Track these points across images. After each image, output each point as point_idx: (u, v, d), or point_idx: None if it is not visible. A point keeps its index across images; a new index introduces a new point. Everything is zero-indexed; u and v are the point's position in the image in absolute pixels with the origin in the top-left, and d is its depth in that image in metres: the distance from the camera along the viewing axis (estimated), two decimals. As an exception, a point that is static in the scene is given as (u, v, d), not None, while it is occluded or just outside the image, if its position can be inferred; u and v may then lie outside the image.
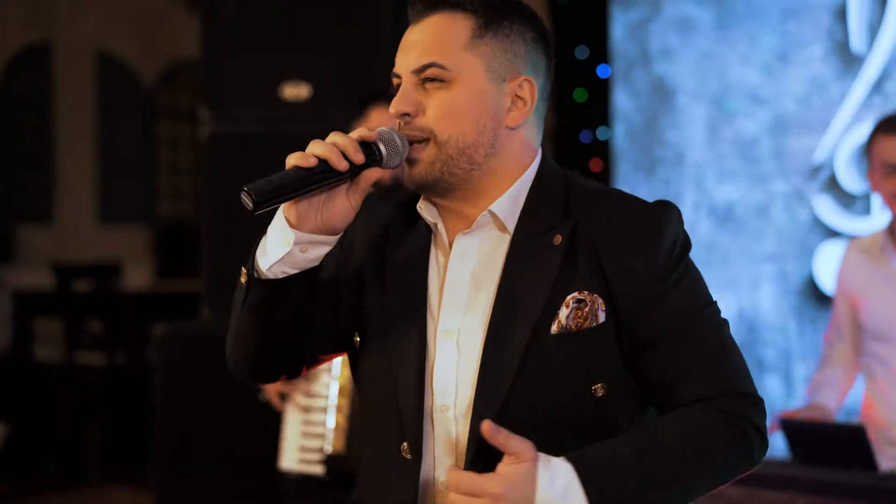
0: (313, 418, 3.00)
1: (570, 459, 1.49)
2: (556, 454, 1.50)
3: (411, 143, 1.59)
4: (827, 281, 4.17)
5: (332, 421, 2.93)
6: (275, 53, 4.13)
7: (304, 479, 3.04)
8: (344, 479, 2.91)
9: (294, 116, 4.14)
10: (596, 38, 5.01)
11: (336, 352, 1.77)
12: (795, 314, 4.36)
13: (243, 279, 1.60)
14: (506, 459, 1.47)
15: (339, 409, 2.92)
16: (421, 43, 1.62)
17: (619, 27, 4.84)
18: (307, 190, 1.51)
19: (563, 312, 1.56)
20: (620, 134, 4.85)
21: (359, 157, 1.54)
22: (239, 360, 1.70)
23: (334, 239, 1.58)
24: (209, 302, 4.21)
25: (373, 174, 1.56)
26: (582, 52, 5.08)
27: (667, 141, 4.69)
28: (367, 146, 1.55)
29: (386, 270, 1.67)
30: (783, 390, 4.36)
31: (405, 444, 1.60)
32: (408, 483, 1.60)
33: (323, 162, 1.51)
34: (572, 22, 5.13)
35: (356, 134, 1.57)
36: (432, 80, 1.60)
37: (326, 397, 2.97)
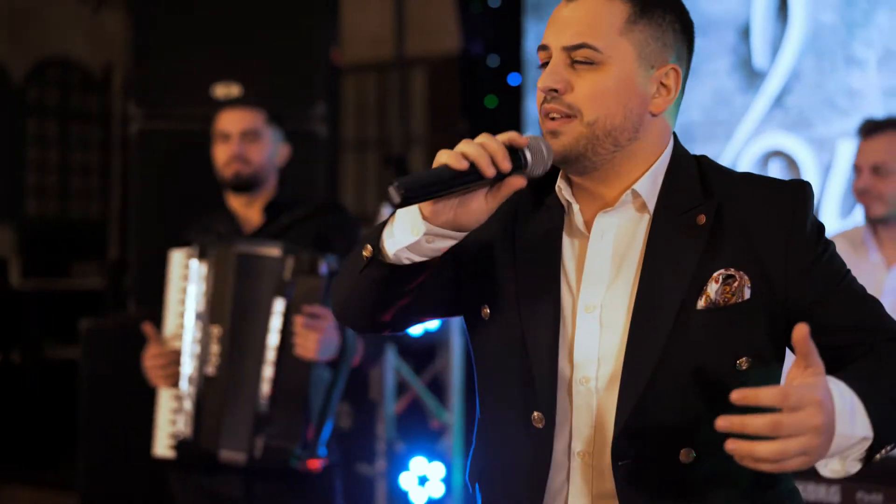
0: (175, 406, 3.05)
1: (854, 385, 1.49)
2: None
3: (556, 119, 1.62)
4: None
5: (185, 405, 2.99)
6: (206, 53, 4.21)
7: (180, 464, 3.09)
8: (193, 460, 3.01)
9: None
10: (507, 48, 5.20)
11: (446, 316, 1.85)
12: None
13: (367, 253, 1.63)
14: (807, 372, 1.45)
15: (188, 395, 2.98)
16: (577, 21, 1.63)
17: (532, 38, 5.05)
18: (453, 191, 1.54)
19: (713, 287, 1.61)
20: (532, 140, 5.06)
21: (506, 165, 1.54)
22: (347, 312, 1.75)
23: (462, 235, 1.60)
24: (136, 297, 4.25)
25: (516, 182, 1.56)
26: (493, 61, 5.25)
27: (578, 147, 4.93)
28: (513, 152, 1.56)
29: (517, 247, 1.70)
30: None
31: (536, 413, 1.65)
32: (541, 451, 1.65)
33: (472, 164, 1.52)
34: (484, 31, 5.30)
35: (505, 137, 1.57)
36: (584, 61, 1.62)
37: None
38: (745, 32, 4.58)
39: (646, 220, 1.67)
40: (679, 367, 1.60)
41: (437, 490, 4.24)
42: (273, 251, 2.97)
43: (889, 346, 1.61)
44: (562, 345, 1.65)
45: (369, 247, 1.62)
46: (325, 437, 2.97)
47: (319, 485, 3.08)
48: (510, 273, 1.70)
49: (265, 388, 2.92)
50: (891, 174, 3.10)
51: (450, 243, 1.60)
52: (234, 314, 2.97)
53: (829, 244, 1.67)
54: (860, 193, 3.12)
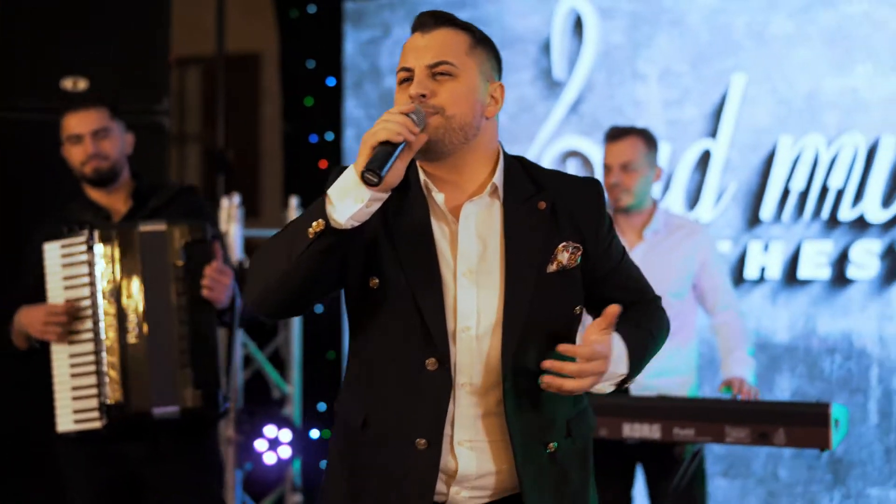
0: (81, 382, 3.31)
1: (621, 334, 2.17)
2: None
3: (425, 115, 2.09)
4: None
5: (106, 375, 3.27)
6: (55, 49, 4.45)
7: (81, 437, 3.34)
8: (122, 426, 3.31)
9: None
10: (325, 52, 5.61)
11: (334, 292, 2.22)
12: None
13: (317, 229, 1.99)
14: (602, 332, 2.12)
15: (111, 365, 3.27)
16: (434, 46, 2.14)
17: (351, 44, 5.50)
18: (393, 159, 1.99)
19: (563, 255, 2.18)
20: (350, 137, 5.51)
21: (416, 130, 2.02)
22: (271, 298, 2.10)
23: (388, 194, 2.03)
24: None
25: (421, 139, 2.04)
26: (311, 64, 5.66)
27: (394, 145, 5.42)
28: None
29: (393, 229, 2.14)
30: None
31: (432, 359, 2.11)
32: (440, 388, 2.12)
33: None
34: (301, 35, 5.70)
35: (400, 110, 2.03)
36: (443, 73, 2.12)
37: (94, 359, 3.30)
38: (545, 47, 5.19)
39: (497, 206, 2.18)
40: (540, 315, 2.16)
41: (286, 452, 4.67)
42: (160, 226, 3.32)
43: (650, 304, 2.34)
44: (446, 304, 2.13)
45: (321, 221, 2.00)
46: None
47: (212, 435, 3.47)
48: (390, 250, 2.14)
49: (182, 345, 3.28)
50: (635, 171, 3.75)
51: (379, 204, 2.03)
52: (143, 285, 3.29)
53: (614, 229, 2.31)
54: (611, 188, 3.73)
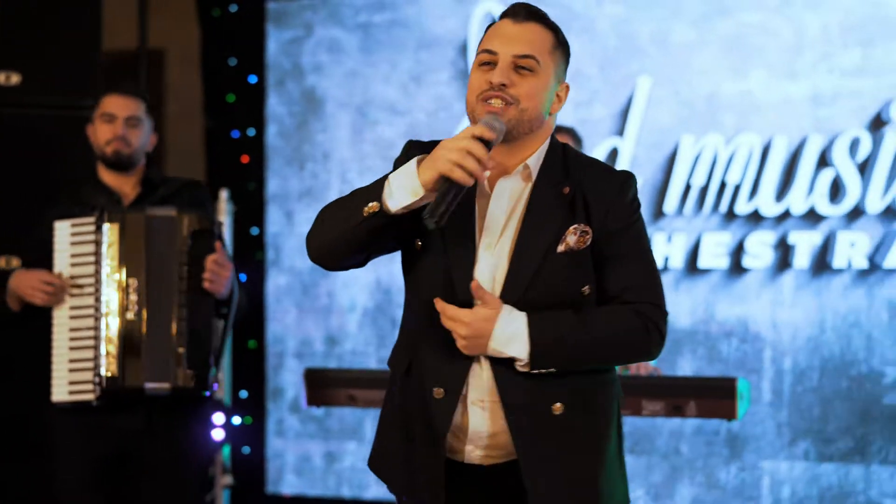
0: (79, 355, 3.57)
1: (528, 314, 2.25)
2: None
3: (499, 105, 2.25)
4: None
5: (104, 350, 3.52)
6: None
7: (75, 408, 3.59)
8: (114, 399, 3.55)
9: (5, 102, 4.64)
10: (247, 50, 5.80)
11: (390, 252, 2.43)
12: (422, 284, 5.50)
13: (372, 209, 2.22)
14: (478, 305, 2.25)
15: (109, 340, 3.52)
16: (524, 38, 2.27)
17: (274, 43, 5.71)
18: (453, 198, 2.19)
19: (571, 238, 2.30)
20: (273, 133, 5.72)
21: (485, 168, 2.20)
22: (333, 255, 2.34)
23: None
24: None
25: (487, 164, 2.22)
26: (232, 61, 5.84)
27: (316, 141, 5.65)
28: (485, 141, 2.20)
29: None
30: (413, 344, 5.48)
31: None
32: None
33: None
34: (223, 33, 5.87)
35: (478, 131, 2.19)
36: (526, 67, 2.26)
37: (93, 334, 3.55)
38: (462, 49, 5.47)
39: (528, 187, 2.36)
40: (542, 290, 2.32)
41: (219, 435, 4.88)
42: (171, 212, 3.56)
43: (635, 309, 2.33)
44: (476, 268, 2.34)
45: (375, 204, 2.24)
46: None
47: (205, 412, 3.71)
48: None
49: (179, 327, 3.51)
50: None
51: (429, 200, 2.22)
52: (147, 267, 3.53)
53: (639, 221, 2.37)
54: None
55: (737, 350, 5.12)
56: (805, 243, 5.02)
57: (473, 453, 2.37)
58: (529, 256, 2.31)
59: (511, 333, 2.26)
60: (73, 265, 3.56)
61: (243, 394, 5.69)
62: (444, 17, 5.51)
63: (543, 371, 2.30)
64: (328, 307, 5.66)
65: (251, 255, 5.69)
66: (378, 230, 2.27)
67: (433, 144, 2.37)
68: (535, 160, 2.37)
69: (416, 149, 2.40)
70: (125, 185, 3.76)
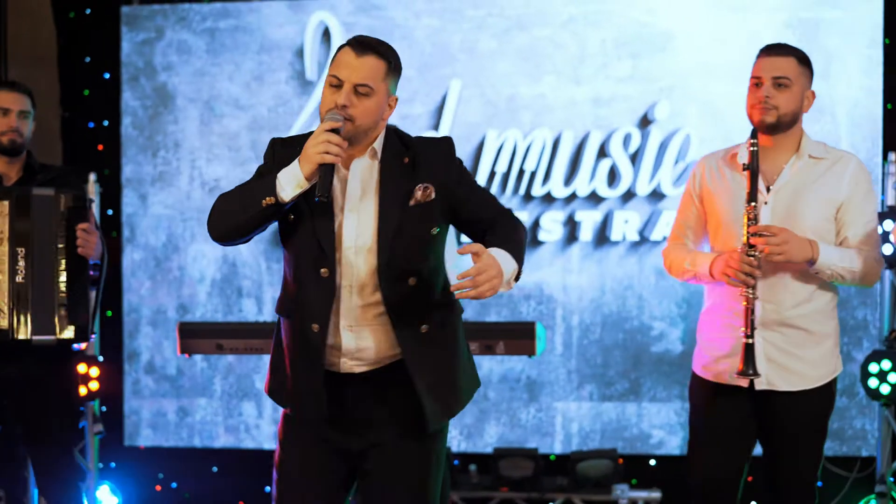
0: None
1: (503, 249, 2.86)
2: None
3: (341, 119, 2.87)
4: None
5: (3, 306, 4.03)
6: None
7: None
8: (4, 350, 4.07)
9: None
10: (102, 49, 6.38)
11: (267, 226, 3.02)
12: (264, 256, 6.24)
13: (269, 202, 2.86)
14: (478, 256, 2.79)
15: (0, 299, 4.03)
16: (363, 69, 2.87)
17: (127, 43, 6.33)
18: (332, 173, 2.85)
19: (419, 193, 2.94)
20: (127, 124, 6.34)
21: (344, 144, 2.83)
22: (226, 237, 2.99)
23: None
24: None
25: (344, 145, 2.86)
26: (88, 59, 6.43)
27: (168, 132, 6.30)
28: (335, 130, 2.84)
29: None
30: (256, 309, 6.20)
31: (324, 269, 2.93)
32: (327, 289, 2.95)
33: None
34: (79, 33, 6.43)
35: (329, 126, 2.82)
36: (363, 93, 2.87)
37: None
38: (299, 53, 6.21)
39: (377, 163, 3.00)
40: (405, 237, 2.97)
41: (95, 386, 5.50)
42: (50, 192, 4.11)
43: (506, 219, 3.06)
44: (336, 230, 2.97)
45: (272, 198, 2.90)
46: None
47: (74, 361, 4.31)
48: (301, 196, 2.96)
49: (61, 287, 4.08)
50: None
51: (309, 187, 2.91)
52: (32, 238, 4.07)
53: (466, 170, 3.07)
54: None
55: (534, 310, 6.06)
56: (588, 220, 5.99)
57: (346, 364, 3.04)
58: (392, 212, 2.97)
59: (504, 259, 2.88)
60: None
61: (100, 358, 6.28)
62: (283, 24, 6.24)
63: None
64: (179, 279, 6.31)
65: (108, 233, 6.27)
66: (272, 215, 2.95)
67: (292, 140, 3.04)
68: (378, 143, 3.01)
69: (279, 144, 3.06)
70: (10, 171, 4.29)
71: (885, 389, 5.01)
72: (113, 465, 6.32)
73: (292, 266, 3.07)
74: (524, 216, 6.02)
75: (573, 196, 6.02)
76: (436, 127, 6.09)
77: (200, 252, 6.26)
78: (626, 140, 5.96)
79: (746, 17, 5.88)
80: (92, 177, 5.79)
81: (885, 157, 5.37)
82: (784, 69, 3.57)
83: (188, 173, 6.28)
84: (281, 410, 3.19)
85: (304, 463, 3.12)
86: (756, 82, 3.59)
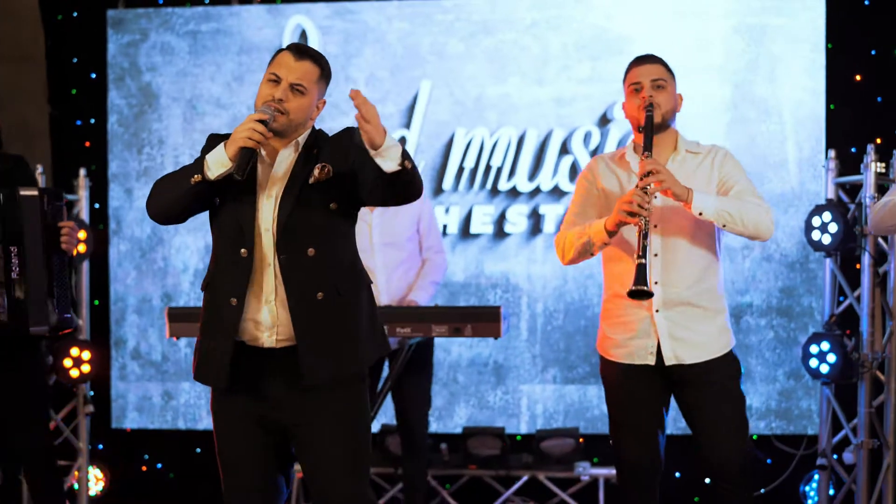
0: None
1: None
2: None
3: (278, 113, 3.19)
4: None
5: (2, 300, 4.28)
6: None
7: None
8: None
9: None
10: (89, 50, 6.68)
11: (198, 212, 3.33)
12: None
13: (197, 179, 3.16)
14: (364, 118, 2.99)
15: None
16: (299, 71, 3.23)
17: (113, 45, 6.63)
18: (251, 156, 3.16)
19: (315, 171, 3.22)
20: (113, 122, 6.65)
21: (269, 135, 3.16)
22: (168, 213, 3.27)
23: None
24: None
25: (269, 135, 3.17)
26: (75, 59, 6.73)
27: (152, 129, 6.61)
28: (263, 121, 3.15)
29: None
30: (237, 299, 6.52)
31: (243, 249, 3.23)
32: (245, 267, 3.23)
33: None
34: (66, 35, 6.73)
35: (258, 116, 3.13)
36: (298, 91, 3.23)
37: None
38: (277, 54, 6.55)
39: (293, 154, 3.30)
40: (304, 211, 3.24)
41: (87, 368, 5.81)
42: (34, 192, 4.37)
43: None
44: (255, 214, 3.26)
45: (199, 175, 3.18)
46: None
47: (35, 344, 4.54)
48: (227, 182, 3.22)
49: (49, 281, 4.35)
50: None
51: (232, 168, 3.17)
52: (23, 236, 4.32)
53: (360, 150, 3.16)
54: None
55: (500, 298, 6.40)
56: (552, 213, 6.34)
57: (269, 339, 3.28)
58: (292, 192, 3.27)
59: (391, 142, 3.07)
60: None
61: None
62: (262, 27, 6.56)
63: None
64: (164, 269, 6.63)
65: (95, 225, 6.57)
66: (199, 193, 3.24)
67: (227, 136, 3.27)
68: (302, 139, 3.34)
69: (215, 138, 3.34)
70: None
71: (824, 369, 5.40)
72: (101, 446, 6.62)
73: (217, 244, 3.37)
74: (491, 209, 6.38)
75: (537, 190, 6.37)
76: (407, 125, 6.43)
77: (184, 244, 6.58)
78: (587, 138, 6.32)
79: (698, 22, 6.26)
80: (82, 171, 6.11)
81: (827, 155, 5.75)
82: (659, 73, 3.95)
83: (172, 168, 6.51)
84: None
85: (233, 433, 3.36)
86: (636, 88, 3.94)
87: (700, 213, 3.80)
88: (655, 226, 3.89)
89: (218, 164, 3.20)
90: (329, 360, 3.29)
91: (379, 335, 3.49)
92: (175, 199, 3.27)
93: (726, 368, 3.98)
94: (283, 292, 3.27)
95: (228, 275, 3.30)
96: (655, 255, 3.88)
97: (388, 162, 3.06)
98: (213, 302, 3.34)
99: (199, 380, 3.41)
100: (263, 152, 3.31)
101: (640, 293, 3.67)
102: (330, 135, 3.40)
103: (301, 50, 3.31)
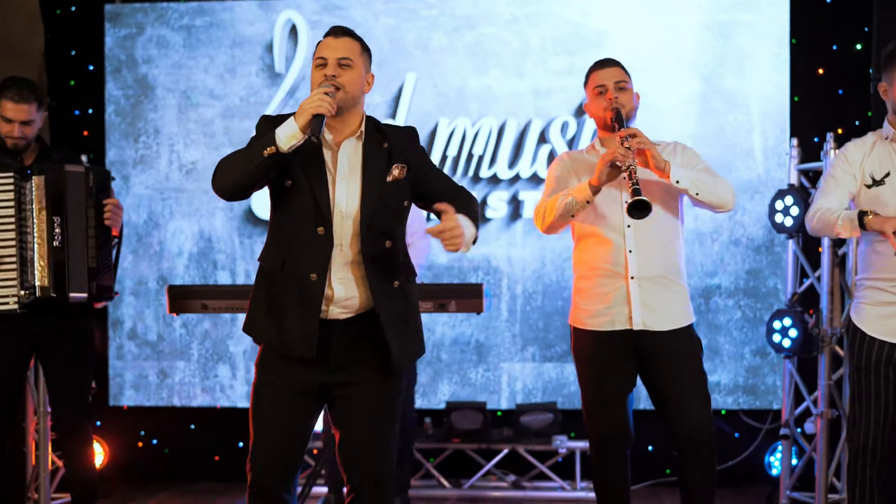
0: (3, 276, 4.61)
1: (463, 213, 3.40)
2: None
3: (331, 88, 3.33)
4: (259, 208, 6.69)
5: (37, 267, 4.58)
6: None
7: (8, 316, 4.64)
8: (43, 305, 4.61)
9: None
10: (87, 43, 6.94)
11: (265, 187, 3.47)
12: (237, 232, 6.85)
13: (270, 151, 3.27)
14: (446, 213, 3.32)
15: (41, 258, 4.58)
16: (342, 47, 3.39)
17: (110, 38, 6.91)
18: (322, 122, 3.27)
19: (395, 171, 3.42)
20: (111, 112, 6.92)
21: (335, 106, 3.28)
22: (232, 189, 3.38)
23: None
24: None
25: (333, 109, 3.31)
26: (73, 52, 6.99)
27: (148, 119, 6.88)
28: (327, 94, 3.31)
29: (300, 152, 3.36)
30: (230, 280, 6.81)
31: (321, 228, 3.36)
32: (324, 244, 3.38)
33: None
34: (65, 29, 7.00)
35: (323, 90, 3.28)
36: (345, 65, 3.36)
37: (15, 259, 4.57)
38: (269, 48, 6.80)
39: (360, 144, 3.48)
40: (383, 204, 3.45)
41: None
42: (80, 168, 4.67)
43: (464, 193, 3.61)
44: (329, 196, 3.44)
45: (273, 148, 3.31)
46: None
47: (90, 324, 4.87)
48: (298, 165, 3.43)
49: (91, 252, 4.66)
50: None
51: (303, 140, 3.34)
52: (68, 208, 4.62)
53: (426, 155, 3.61)
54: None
55: (482, 279, 6.66)
56: (530, 199, 6.63)
57: (334, 312, 3.45)
58: (374, 185, 3.46)
59: (465, 223, 3.42)
60: (2, 207, 4.62)
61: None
62: (254, 22, 6.84)
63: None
64: (160, 253, 6.90)
65: (93, 212, 6.83)
66: (271, 165, 3.35)
67: (280, 118, 3.44)
68: (363, 127, 3.51)
69: (268, 121, 3.49)
70: (28, 158, 4.80)
71: (786, 343, 5.73)
72: (98, 423, 6.87)
73: (288, 223, 3.49)
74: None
75: (517, 177, 6.67)
76: (393, 115, 6.71)
77: (179, 228, 6.86)
78: (564, 127, 6.63)
79: (670, 19, 6.59)
80: (84, 158, 6.37)
81: (790, 143, 6.07)
82: (620, 75, 4.26)
83: (167, 157, 6.88)
84: (258, 349, 3.59)
85: (278, 389, 3.49)
86: (601, 90, 4.24)
87: (677, 182, 4.09)
88: (627, 201, 4.14)
89: (289, 136, 3.33)
90: (408, 345, 3.54)
91: (420, 328, 3.69)
92: (247, 173, 3.38)
93: (690, 341, 4.26)
94: (358, 274, 3.45)
95: (304, 250, 3.45)
96: (629, 226, 4.17)
97: (464, 250, 3.44)
98: (288, 275, 3.46)
99: (280, 349, 3.47)
100: (330, 136, 3.47)
101: (641, 204, 3.88)
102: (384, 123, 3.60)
103: (339, 29, 3.51)
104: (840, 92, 6.55)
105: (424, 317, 6.34)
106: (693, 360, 4.24)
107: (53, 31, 7.02)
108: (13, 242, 4.64)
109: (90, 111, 6.98)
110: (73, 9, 7.01)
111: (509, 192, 6.67)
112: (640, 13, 6.61)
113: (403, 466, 5.68)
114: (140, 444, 7.01)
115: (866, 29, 6.42)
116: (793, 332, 5.70)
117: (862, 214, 4.10)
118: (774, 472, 6.25)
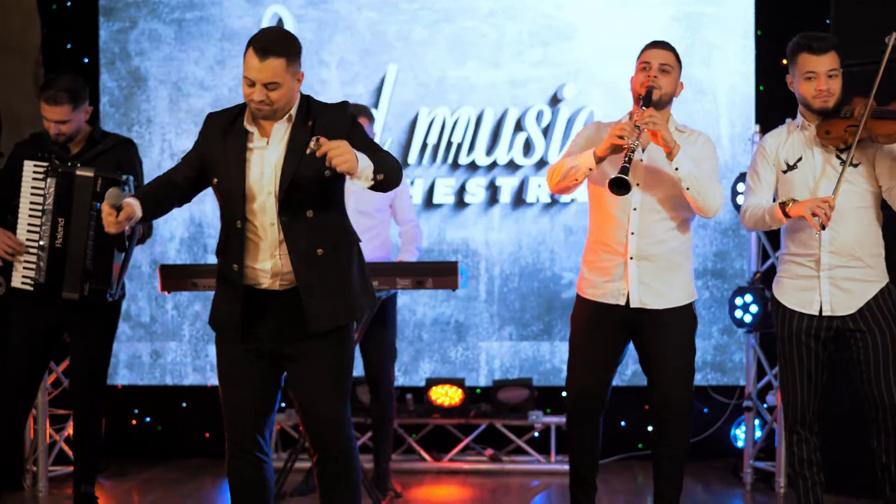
0: (27, 263, 4.92)
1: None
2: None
3: (264, 107, 3.56)
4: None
5: (42, 264, 4.87)
6: None
7: (26, 294, 4.93)
8: (45, 295, 4.89)
9: None
10: (81, 36, 7.21)
11: (199, 192, 3.91)
12: (227, 219, 7.12)
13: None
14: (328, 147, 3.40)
15: (41, 257, 4.87)
16: (267, 71, 3.52)
17: (104, 32, 7.18)
18: None
19: (312, 144, 3.43)
20: (105, 103, 7.19)
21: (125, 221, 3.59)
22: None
23: None
24: None
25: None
26: (69, 45, 7.26)
27: (141, 109, 7.15)
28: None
29: (226, 147, 3.67)
30: (220, 265, 7.06)
31: (238, 221, 3.64)
32: (242, 239, 3.65)
33: None
34: (61, 23, 7.26)
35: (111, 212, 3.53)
36: (272, 87, 3.53)
37: (37, 247, 4.86)
38: (256, 40, 7.10)
39: (289, 126, 3.67)
40: (301, 177, 3.63)
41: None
42: (90, 173, 4.87)
43: (383, 153, 3.66)
44: (253, 184, 3.67)
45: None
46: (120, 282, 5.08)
47: (113, 311, 5.14)
48: (223, 158, 3.69)
49: (89, 253, 4.88)
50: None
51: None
52: (72, 211, 4.86)
53: (362, 127, 3.72)
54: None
55: (461, 262, 6.94)
56: (507, 185, 6.90)
57: (276, 284, 3.73)
58: (292, 161, 3.66)
59: (363, 158, 3.50)
60: (33, 194, 4.91)
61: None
62: (242, 16, 7.09)
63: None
64: (152, 238, 7.05)
65: (88, 199, 7.08)
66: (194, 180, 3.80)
67: (226, 113, 3.74)
68: (294, 111, 3.70)
69: (212, 118, 3.77)
70: (75, 147, 5.07)
71: (747, 319, 6.02)
72: (94, 401, 7.14)
73: (222, 215, 3.80)
74: (452, 182, 6.95)
75: (494, 164, 6.93)
76: (375, 105, 6.97)
77: (170, 214, 6.90)
78: (539, 116, 6.90)
79: (639, 11, 6.87)
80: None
81: (754, 130, 6.36)
82: (668, 59, 4.46)
83: (159, 146, 7.14)
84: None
85: (233, 364, 3.81)
86: (644, 66, 4.44)
87: (676, 168, 4.29)
88: (637, 184, 4.37)
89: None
90: (329, 310, 3.72)
91: (368, 288, 3.91)
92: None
93: (683, 318, 4.47)
94: (286, 248, 3.68)
95: (229, 243, 3.75)
96: (634, 209, 4.38)
97: (364, 182, 3.53)
98: (223, 265, 3.78)
99: (215, 329, 3.85)
100: (258, 132, 3.68)
101: (620, 181, 4.06)
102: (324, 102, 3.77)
103: (264, 49, 3.56)
104: (803, 81, 6.81)
105: (405, 296, 6.79)
106: (684, 334, 4.46)
107: (50, 26, 7.27)
108: (37, 230, 4.93)
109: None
110: (69, 4, 7.27)
111: (487, 178, 6.93)
112: (611, 6, 6.89)
113: (384, 443, 5.85)
114: (134, 421, 7.24)
115: (828, 21, 6.70)
116: (753, 308, 5.98)
117: (783, 205, 4.29)
118: (740, 444, 6.53)
